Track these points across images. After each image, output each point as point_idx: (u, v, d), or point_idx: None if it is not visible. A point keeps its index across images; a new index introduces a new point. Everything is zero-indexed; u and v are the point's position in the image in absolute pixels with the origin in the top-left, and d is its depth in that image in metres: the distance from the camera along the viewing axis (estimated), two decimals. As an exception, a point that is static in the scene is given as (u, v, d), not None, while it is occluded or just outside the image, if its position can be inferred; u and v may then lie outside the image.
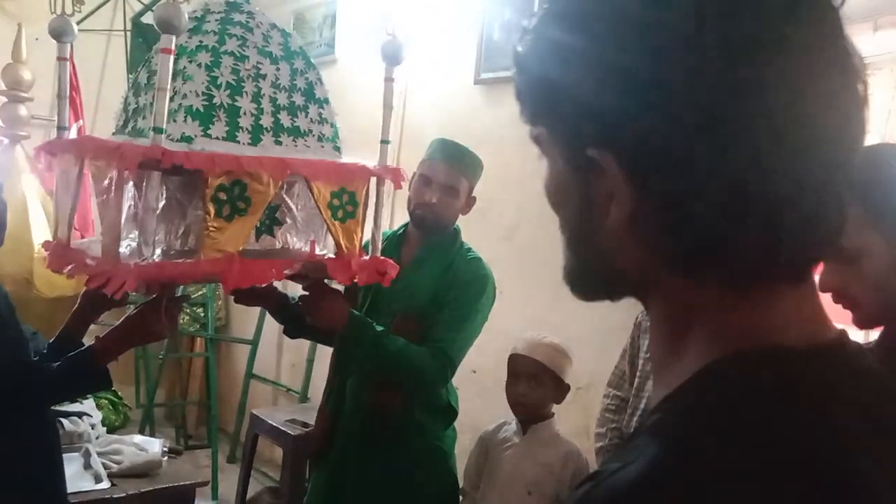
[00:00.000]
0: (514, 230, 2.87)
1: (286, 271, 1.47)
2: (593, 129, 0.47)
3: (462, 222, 2.05)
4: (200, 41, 1.40)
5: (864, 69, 0.46)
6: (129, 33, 4.06)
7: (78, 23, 1.57)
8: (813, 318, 0.48)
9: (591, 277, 0.54)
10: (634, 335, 1.93)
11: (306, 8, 4.02)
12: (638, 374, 1.85)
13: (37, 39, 3.22)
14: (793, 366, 0.45)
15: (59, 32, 1.53)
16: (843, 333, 0.49)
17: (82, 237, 2.14)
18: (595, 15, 0.46)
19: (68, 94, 1.61)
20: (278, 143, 1.44)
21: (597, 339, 2.42)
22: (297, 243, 1.58)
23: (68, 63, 1.59)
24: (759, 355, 0.45)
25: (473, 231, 2.13)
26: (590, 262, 0.52)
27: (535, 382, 1.96)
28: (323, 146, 1.51)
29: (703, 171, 0.44)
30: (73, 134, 1.64)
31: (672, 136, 0.44)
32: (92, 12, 3.82)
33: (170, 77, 1.24)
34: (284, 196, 1.53)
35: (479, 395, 2.67)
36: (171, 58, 1.24)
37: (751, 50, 0.43)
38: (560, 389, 1.99)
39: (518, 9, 2.89)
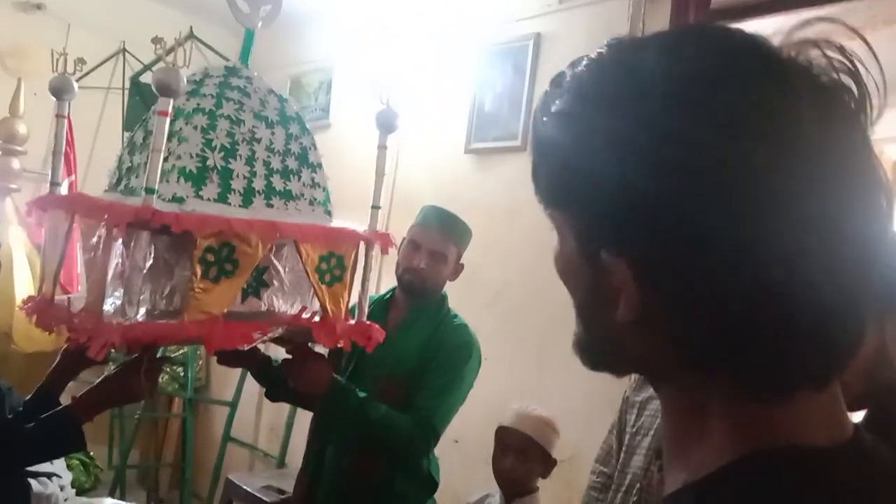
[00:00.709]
0: (499, 296, 2.87)
1: (270, 334, 1.45)
2: (607, 230, 0.46)
3: (447, 287, 2.05)
4: (198, 104, 1.43)
5: (890, 184, 0.45)
6: (127, 91, 4.12)
7: (78, 79, 1.60)
8: (834, 416, 0.47)
9: (600, 355, 0.53)
10: (622, 409, 1.91)
11: (303, 73, 4.12)
12: (624, 449, 1.82)
13: (35, 94, 3.27)
14: (817, 468, 0.44)
15: (60, 91, 1.55)
16: (858, 428, 0.48)
17: (66, 292, 2.11)
18: (614, 115, 0.46)
19: (63, 150, 1.62)
20: (269, 205, 1.45)
21: (583, 410, 2.39)
22: (282, 306, 1.57)
23: (66, 120, 1.60)
24: (783, 457, 0.44)
25: (458, 296, 2.13)
26: (598, 341, 0.51)
27: (523, 457, 1.92)
28: (314, 210, 1.52)
29: (716, 281, 0.43)
30: (64, 188, 1.63)
31: (684, 244, 0.43)
32: (92, 69, 3.88)
33: (165, 138, 1.25)
34: (272, 258, 1.53)
35: (461, 464, 2.61)
36: (168, 120, 1.25)
37: (772, 165, 0.42)
38: (548, 464, 1.95)
39: (509, 81, 2.97)
